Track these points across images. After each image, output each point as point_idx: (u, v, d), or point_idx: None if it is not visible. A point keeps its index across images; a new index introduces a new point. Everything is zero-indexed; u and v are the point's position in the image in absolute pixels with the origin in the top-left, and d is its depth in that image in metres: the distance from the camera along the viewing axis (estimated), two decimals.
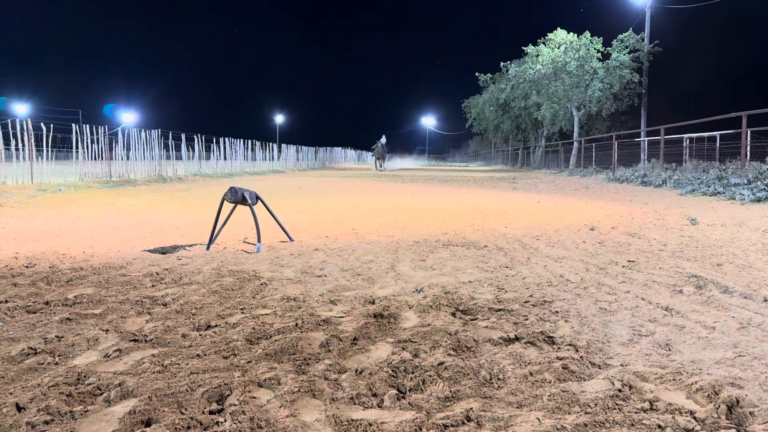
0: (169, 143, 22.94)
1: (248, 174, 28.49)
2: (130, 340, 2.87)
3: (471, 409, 2.03)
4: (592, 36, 35.63)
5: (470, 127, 56.93)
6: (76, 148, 16.85)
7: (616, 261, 5.00)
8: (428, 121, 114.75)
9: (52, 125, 15.56)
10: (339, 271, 4.65)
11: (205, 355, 2.66)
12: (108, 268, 4.67)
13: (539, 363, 2.50)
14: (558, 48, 36.63)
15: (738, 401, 2.03)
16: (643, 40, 33.04)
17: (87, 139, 17.17)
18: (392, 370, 2.42)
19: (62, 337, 2.92)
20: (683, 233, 6.72)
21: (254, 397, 2.18)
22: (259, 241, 5.64)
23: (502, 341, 2.83)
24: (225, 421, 1.97)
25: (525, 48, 38.87)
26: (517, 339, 2.86)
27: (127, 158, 19.46)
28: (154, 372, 2.44)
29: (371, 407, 2.13)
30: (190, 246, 5.84)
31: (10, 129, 14.18)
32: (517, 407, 2.09)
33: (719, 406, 2.02)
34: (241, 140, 31.45)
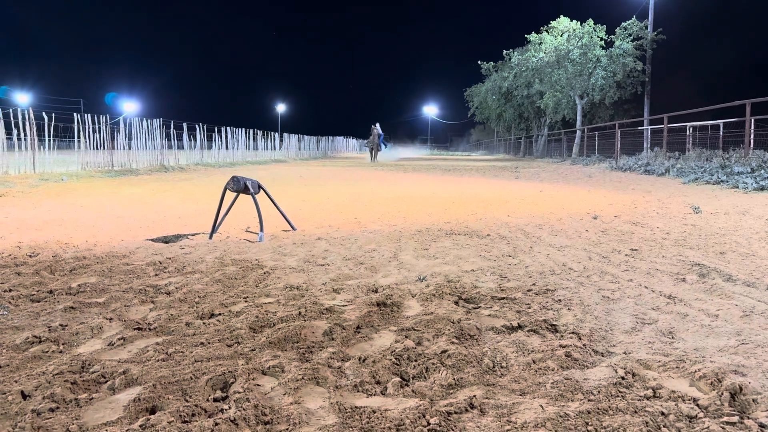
0: (171, 132, 22.93)
1: (250, 163, 28.47)
2: (134, 329, 2.88)
3: (474, 396, 2.03)
4: (595, 24, 35.43)
5: (472, 116, 56.82)
6: (78, 137, 16.84)
7: (619, 249, 4.99)
8: (430, 110, 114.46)
9: (53, 114, 15.55)
10: (342, 260, 4.65)
11: (209, 343, 2.67)
12: (111, 257, 4.68)
13: (542, 351, 2.50)
14: (561, 36, 36.44)
15: (741, 389, 2.04)
16: (646, 27, 32.84)
17: (89, 128, 17.15)
18: (395, 358, 2.42)
19: (66, 325, 2.93)
20: (686, 222, 6.71)
21: (258, 385, 2.19)
22: (261, 230, 5.65)
23: (505, 329, 2.83)
24: (229, 408, 1.97)
25: (528, 36, 38.71)
26: (520, 327, 2.86)
27: (129, 148, 19.44)
28: (158, 360, 2.45)
29: (375, 395, 2.14)
30: (193, 235, 5.85)
31: (12, 118, 14.17)
32: (521, 394, 2.10)
33: (722, 394, 2.02)
34: (243, 129, 31.42)
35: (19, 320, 3.02)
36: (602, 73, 34.97)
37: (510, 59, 41.44)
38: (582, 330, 2.79)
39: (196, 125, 25.38)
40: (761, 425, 1.83)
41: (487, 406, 1.98)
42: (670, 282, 3.82)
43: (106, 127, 17.90)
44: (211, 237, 5.66)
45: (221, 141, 28.32)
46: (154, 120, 21.13)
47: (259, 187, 5.91)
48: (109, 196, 10.40)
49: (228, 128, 29.00)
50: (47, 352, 2.56)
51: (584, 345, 2.56)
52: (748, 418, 1.88)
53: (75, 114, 16.75)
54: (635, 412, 1.92)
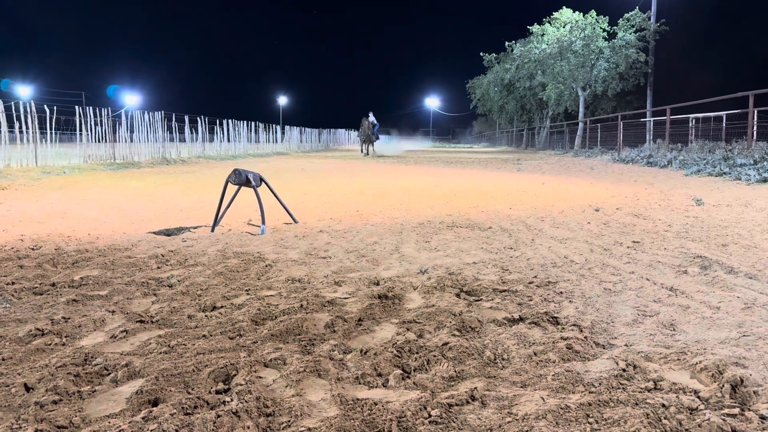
0: (173, 125, 22.92)
1: (252, 156, 28.46)
2: (137, 321, 2.89)
3: (475, 388, 2.04)
4: (598, 15, 35.27)
5: (475, 108, 56.67)
6: (80, 130, 16.84)
7: (621, 242, 4.99)
8: (432, 102, 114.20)
9: (55, 107, 15.54)
10: (343, 252, 4.66)
11: (211, 335, 2.68)
12: (113, 250, 4.69)
13: (543, 343, 2.51)
14: (564, 27, 36.28)
15: (742, 380, 2.04)
16: (649, 18, 32.68)
17: (90, 121, 17.15)
18: (397, 351, 2.43)
19: (69, 318, 2.94)
20: (688, 214, 6.70)
21: (260, 377, 2.19)
22: (263, 222, 5.65)
23: (506, 322, 2.84)
24: (231, 400, 1.98)
25: (530, 27, 38.54)
26: (521, 319, 2.86)
27: (131, 140, 19.44)
28: (160, 352, 2.46)
29: (376, 387, 2.15)
30: (195, 228, 5.85)
31: (13, 111, 14.17)
32: (522, 387, 2.10)
33: (723, 386, 2.02)
34: (245, 122, 31.39)
35: (22, 313, 3.03)
36: (605, 65, 34.84)
37: (512, 51, 41.30)
38: (583, 322, 2.79)
39: (198, 118, 25.38)
40: (762, 417, 1.83)
41: (488, 398, 1.99)
42: (672, 274, 3.82)
43: (108, 120, 17.90)
44: (213, 230, 5.67)
45: (223, 134, 28.32)
46: (156, 113, 21.12)
47: (261, 179, 5.91)
48: (111, 188, 10.40)
49: (230, 121, 28.99)
50: (50, 344, 2.57)
51: (585, 337, 2.57)
52: (749, 410, 1.88)
53: (77, 107, 16.75)
54: (636, 404, 1.92)
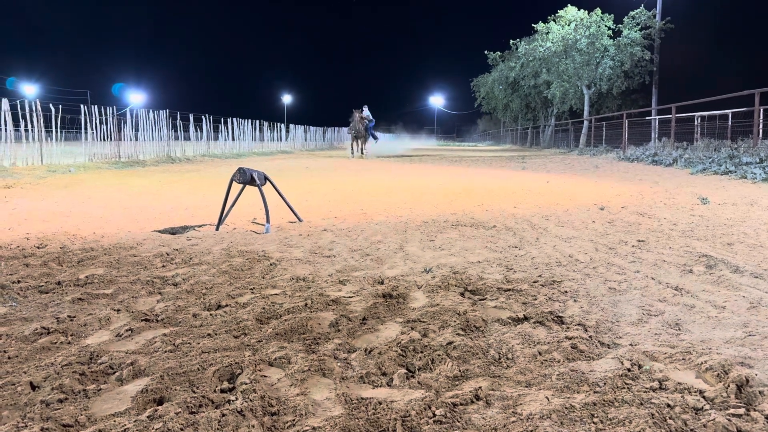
0: (178, 124, 22.97)
1: (256, 154, 28.49)
2: (142, 320, 2.89)
3: (480, 388, 2.04)
4: (603, 13, 35.18)
5: (479, 106, 56.61)
6: (85, 128, 16.89)
7: (626, 241, 4.98)
8: (436, 101, 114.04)
9: (60, 106, 15.59)
10: (348, 251, 4.66)
11: (215, 334, 2.68)
12: (119, 248, 4.70)
13: (548, 342, 2.50)
14: (568, 25, 36.21)
15: (748, 380, 2.03)
16: (654, 16, 32.59)
17: (96, 119, 17.20)
18: (401, 350, 2.43)
19: (74, 316, 2.95)
20: (694, 212, 6.68)
21: (265, 376, 2.20)
22: (268, 221, 5.66)
23: (510, 321, 2.83)
24: (236, 399, 1.99)
25: (535, 25, 38.47)
26: (526, 319, 2.86)
27: (136, 139, 19.49)
28: (165, 351, 2.46)
29: (381, 386, 2.15)
30: (200, 226, 5.87)
31: (19, 110, 14.22)
32: (526, 386, 2.10)
33: (729, 386, 2.02)
34: (250, 121, 31.43)
35: (27, 311, 3.04)
36: (610, 63, 34.77)
37: (517, 49, 41.24)
38: (588, 322, 2.79)
39: (203, 116, 25.42)
40: None
41: (493, 397, 1.99)
42: (677, 273, 3.81)
43: (113, 119, 17.95)
44: (217, 228, 5.68)
45: (228, 132, 28.36)
46: (161, 111, 21.16)
47: (266, 178, 5.92)
48: (117, 187, 10.43)
49: (234, 119, 29.03)
50: (55, 343, 2.58)
51: (590, 337, 2.56)
52: (755, 410, 1.88)
53: (82, 105, 16.80)
54: (641, 404, 1.92)
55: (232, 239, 5.17)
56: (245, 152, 28.96)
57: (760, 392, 1.98)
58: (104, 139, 17.63)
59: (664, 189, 9.70)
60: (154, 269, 4.02)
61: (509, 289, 3.40)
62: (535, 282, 3.58)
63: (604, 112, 39.69)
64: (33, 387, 2.11)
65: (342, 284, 3.61)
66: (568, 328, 2.72)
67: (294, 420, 1.88)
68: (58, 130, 15.58)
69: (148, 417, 1.86)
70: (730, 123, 19.75)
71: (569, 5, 36.66)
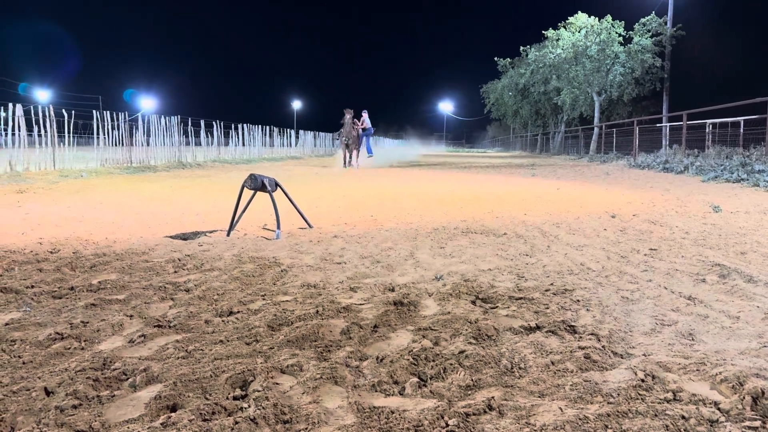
0: (189, 129, 23.11)
1: (266, 160, 28.58)
2: (154, 326, 2.91)
3: (493, 397, 2.03)
4: (613, 20, 35.10)
5: (489, 112, 56.59)
6: (97, 134, 17.02)
7: (638, 249, 4.95)
8: (446, 107, 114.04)
9: (73, 111, 15.72)
10: (358, 258, 4.66)
11: (228, 341, 2.69)
12: (131, 254, 4.73)
13: (561, 352, 2.49)
14: (579, 32, 36.16)
15: (763, 392, 2.01)
16: (665, 23, 32.49)
17: (108, 125, 17.33)
18: (413, 358, 2.43)
19: (88, 322, 2.96)
20: (706, 221, 6.64)
21: (277, 384, 2.20)
22: (278, 227, 5.67)
23: (523, 330, 2.83)
24: (249, 406, 1.99)
25: (545, 32, 38.44)
26: (538, 328, 2.85)
27: (148, 144, 19.60)
28: (178, 357, 2.47)
29: (393, 395, 2.15)
30: (211, 232, 5.89)
31: (32, 115, 14.35)
32: (539, 396, 2.09)
33: (744, 398, 2.00)
34: (260, 126, 31.55)
35: (41, 317, 3.06)
36: (620, 70, 34.67)
37: (527, 55, 41.22)
38: (601, 331, 2.78)
39: (214, 122, 25.56)
40: None
41: (506, 407, 1.98)
42: (690, 283, 3.78)
43: (124, 124, 18.08)
44: (228, 234, 5.70)
45: (238, 138, 28.48)
46: (172, 117, 21.29)
47: (276, 184, 5.94)
48: (128, 192, 10.50)
49: (245, 125, 29.15)
50: (69, 348, 2.59)
51: (603, 346, 2.55)
52: None
53: (94, 111, 16.93)
54: (655, 415, 1.90)
55: (243, 245, 5.19)
56: (255, 158, 29.07)
57: None
58: (116, 145, 17.76)
59: (676, 197, 9.64)
60: (166, 275, 4.04)
61: (521, 298, 3.39)
62: (546, 290, 3.57)
63: (615, 119, 39.56)
64: (48, 392, 2.12)
65: (353, 291, 3.61)
66: (580, 337, 2.71)
67: (306, 428, 1.88)
68: (71, 135, 15.71)
69: (161, 424, 1.87)
70: (742, 130, 19.62)
71: (580, 12, 36.63)
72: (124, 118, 18.11)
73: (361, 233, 5.90)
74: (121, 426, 1.89)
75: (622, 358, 2.46)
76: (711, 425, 1.85)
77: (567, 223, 6.60)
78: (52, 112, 14.93)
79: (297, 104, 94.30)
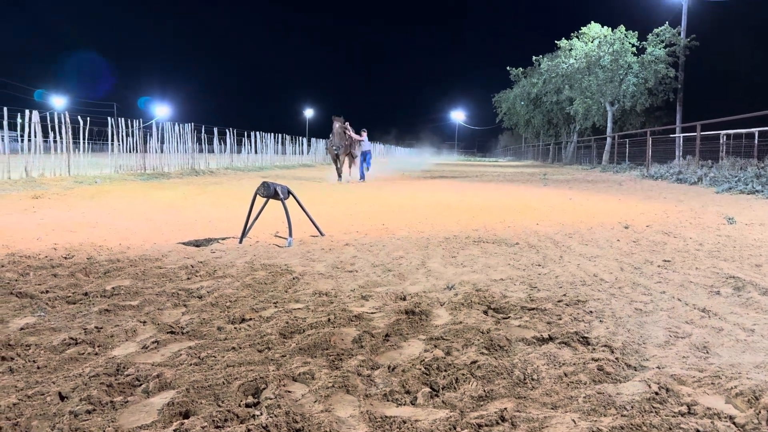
0: (202, 137, 23.27)
1: (278, 167, 28.70)
2: (167, 332, 2.92)
3: (505, 409, 2.02)
4: (626, 30, 35.01)
5: (501, 121, 56.55)
6: (112, 140, 17.18)
7: (652, 260, 4.92)
8: (458, 116, 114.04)
9: (88, 118, 15.88)
10: (370, 266, 4.66)
11: (240, 348, 2.70)
12: (144, 260, 4.76)
13: (574, 364, 2.48)
14: (592, 42, 36.08)
15: None
16: (679, 34, 32.35)
17: (122, 132, 17.49)
18: (425, 368, 2.42)
19: (101, 328, 2.98)
20: (720, 232, 6.58)
21: (289, 392, 2.20)
22: (290, 235, 5.69)
23: (535, 341, 2.81)
24: (261, 414, 1.99)
25: (558, 42, 38.39)
26: (551, 339, 2.83)
27: (161, 151, 19.77)
28: (191, 364, 2.48)
29: (405, 404, 2.14)
30: (223, 239, 5.92)
31: (48, 121, 14.51)
32: (552, 408, 2.08)
33: (760, 412, 1.98)
34: (272, 134, 31.72)
35: (56, 322, 3.09)
36: (633, 80, 34.54)
37: (539, 65, 41.17)
38: (614, 343, 2.76)
39: (227, 130, 25.73)
40: None
41: (519, 419, 1.97)
42: (704, 295, 3.75)
43: (139, 131, 18.24)
44: (241, 241, 5.72)
45: (251, 145, 28.63)
46: (186, 124, 21.46)
47: (289, 192, 5.96)
48: (142, 198, 10.57)
49: (257, 133, 29.31)
50: (83, 354, 2.61)
51: (617, 358, 2.53)
52: None
53: (109, 118, 17.09)
54: (670, 429, 1.89)
55: (255, 252, 5.21)
56: (267, 165, 29.20)
57: None
58: (130, 151, 17.92)
59: (690, 208, 9.57)
60: (179, 281, 4.06)
61: (533, 308, 3.37)
62: (559, 301, 3.55)
63: (628, 129, 39.40)
64: (62, 397, 2.14)
65: (364, 300, 3.61)
66: (594, 349, 2.69)
67: None
68: (86, 141, 15.87)
69: (174, 431, 1.88)
70: (756, 141, 19.48)
71: (593, 22, 36.57)
72: (139, 125, 18.28)
73: (372, 241, 5.91)
74: None
75: (635, 370, 2.44)
76: None
77: (580, 233, 6.57)
78: (67, 119, 15.09)
79: (309, 112, 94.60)
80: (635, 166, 26.36)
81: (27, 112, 13.60)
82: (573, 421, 1.94)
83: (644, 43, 34.41)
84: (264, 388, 2.22)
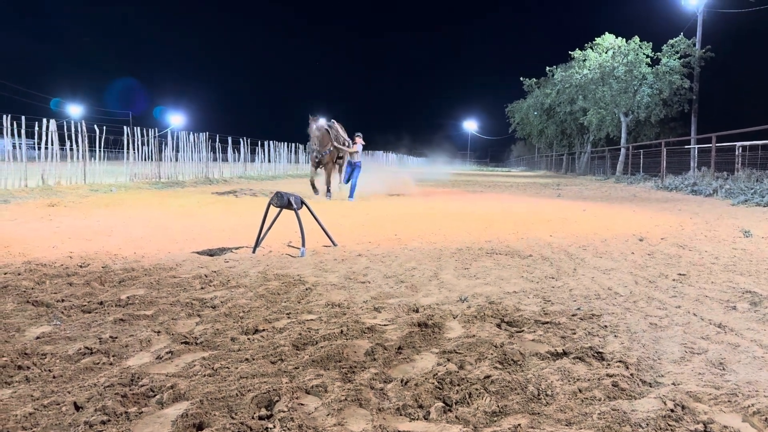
0: (216, 146, 23.44)
1: (291, 176, 28.80)
2: (181, 342, 2.94)
3: (519, 425, 2.01)
4: (641, 41, 34.91)
5: (514, 131, 56.44)
6: (127, 149, 17.34)
7: (666, 274, 4.88)
8: (470, 126, 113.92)
9: (105, 127, 16.06)
10: (382, 277, 4.66)
11: (253, 359, 2.70)
12: (158, 269, 4.79)
13: (588, 379, 2.46)
14: (606, 53, 36.01)
15: None
16: (694, 45, 32.20)
17: (138, 141, 17.66)
18: (438, 382, 2.41)
19: (116, 337, 3.01)
20: (736, 246, 6.52)
21: (302, 404, 2.21)
22: (303, 245, 5.71)
23: (549, 355, 2.80)
24: (274, 427, 2.00)
25: (572, 53, 38.36)
26: (565, 354, 2.82)
27: (176, 160, 19.93)
28: (204, 375, 2.49)
29: (417, 419, 2.14)
30: (237, 248, 5.94)
31: (65, 130, 14.68)
32: (566, 425, 2.07)
33: None
34: (285, 143, 31.89)
35: (71, 331, 3.12)
36: (648, 91, 34.39)
37: (553, 75, 41.14)
38: (629, 359, 2.73)
39: (241, 139, 25.88)
40: None
41: None
42: (720, 310, 3.71)
43: (154, 140, 18.40)
44: (254, 251, 5.74)
45: (264, 154, 28.78)
46: (200, 133, 21.63)
47: (302, 202, 5.98)
48: (156, 207, 10.65)
49: (271, 142, 29.48)
50: (98, 363, 2.63)
51: (631, 374, 2.51)
52: None
53: (125, 127, 17.27)
54: None
55: (268, 262, 5.23)
56: (280, 174, 29.32)
57: None
58: (145, 160, 18.08)
59: (705, 220, 9.49)
60: (193, 291, 4.08)
61: (547, 322, 3.36)
62: (573, 315, 3.53)
63: (642, 140, 39.17)
64: (77, 408, 2.15)
65: (377, 311, 3.61)
66: (608, 364, 2.67)
67: None
68: (101, 150, 16.04)
69: None
70: None
71: (607, 33, 36.51)
72: (154, 134, 18.45)
73: (385, 252, 5.91)
74: None
75: (650, 386, 2.42)
76: None
77: (593, 245, 6.54)
78: (84, 128, 15.26)
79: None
80: (649, 177, 26.19)
81: (44, 120, 13.78)
82: None
83: (659, 54, 34.28)
84: (277, 401, 2.23)
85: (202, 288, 4.19)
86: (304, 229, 5.85)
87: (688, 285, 4.45)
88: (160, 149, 18.89)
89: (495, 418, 2.12)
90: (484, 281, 4.56)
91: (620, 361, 2.69)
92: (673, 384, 2.44)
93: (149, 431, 2.00)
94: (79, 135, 15.09)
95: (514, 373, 2.53)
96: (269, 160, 29.42)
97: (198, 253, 5.66)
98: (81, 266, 4.84)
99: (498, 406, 2.19)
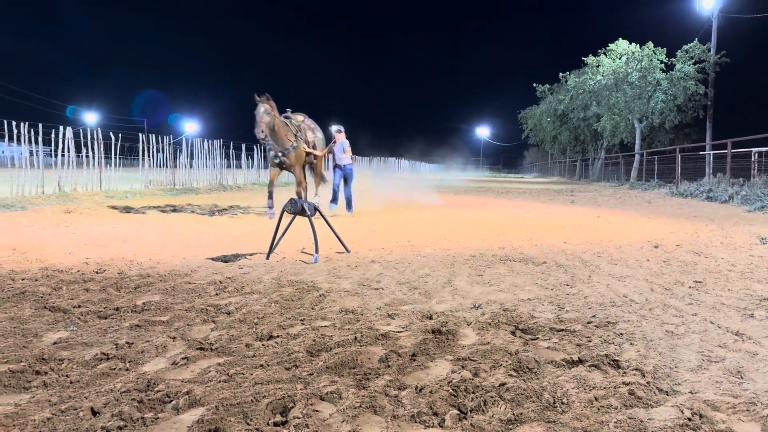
0: (230, 153, 23.57)
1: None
2: (197, 349, 2.95)
3: None
4: (655, 46, 34.72)
5: (527, 138, 56.27)
6: (142, 156, 17.50)
7: (682, 281, 4.83)
8: (483, 132, 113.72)
9: (120, 134, 16.21)
10: (395, 284, 4.66)
11: (268, 365, 2.71)
12: (174, 275, 4.82)
13: (604, 387, 2.44)
14: (620, 58, 35.83)
15: None
16: (709, 50, 31.95)
17: (153, 148, 17.82)
18: (452, 389, 2.41)
19: (132, 343, 3.03)
20: (753, 253, 6.45)
21: (317, 411, 2.21)
22: (316, 251, 5.72)
23: (564, 363, 2.78)
24: None
25: (585, 58, 38.19)
26: (580, 361, 2.80)
27: (191, 167, 20.07)
28: (220, 381, 2.50)
29: (432, 426, 2.13)
30: (251, 255, 5.97)
31: (81, 137, 14.84)
32: None
33: None
34: None
35: (87, 336, 3.14)
36: (662, 97, 34.16)
37: (566, 81, 40.96)
38: (645, 366, 2.71)
39: (254, 146, 26.02)
40: None
41: None
42: (738, 317, 3.67)
43: (168, 147, 18.56)
44: (268, 257, 5.77)
45: None
46: (215, 140, 21.77)
47: (316, 209, 6.00)
48: (171, 214, 10.73)
49: None
50: (114, 369, 2.65)
51: (648, 383, 2.49)
52: None
53: (140, 134, 17.44)
54: None
55: (282, 268, 5.25)
56: (293, 181, 29.37)
57: None
58: (160, 167, 18.24)
59: (721, 227, 9.39)
60: (208, 297, 4.11)
61: (562, 330, 3.34)
62: (588, 323, 3.51)
63: (656, 146, 38.90)
64: (94, 413, 2.17)
65: (391, 318, 3.61)
66: (624, 372, 2.65)
67: None
68: (117, 157, 16.19)
69: None
70: None
71: (621, 39, 36.32)
72: (169, 141, 18.62)
73: (398, 258, 5.91)
74: None
75: (667, 395, 2.40)
76: None
77: (608, 252, 6.50)
78: (100, 135, 15.42)
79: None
80: (664, 183, 25.98)
81: (61, 128, 13.94)
82: None
83: (673, 59, 34.06)
84: (292, 407, 2.23)
85: (216, 294, 4.21)
86: (318, 235, 5.86)
87: (704, 292, 4.41)
88: (174, 156, 19.05)
89: (510, 426, 2.11)
90: (498, 288, 4.55)
91: (636, 369, 2.67)
92: (691, 392, 2.41)
93: None
94: (95, 142, 15.24)
95: (530, 381, 2.52)
96: None
97: (212, 259, 5.69)
98: (97, 272, 4.88)
99: (513, 414, 2.18)
